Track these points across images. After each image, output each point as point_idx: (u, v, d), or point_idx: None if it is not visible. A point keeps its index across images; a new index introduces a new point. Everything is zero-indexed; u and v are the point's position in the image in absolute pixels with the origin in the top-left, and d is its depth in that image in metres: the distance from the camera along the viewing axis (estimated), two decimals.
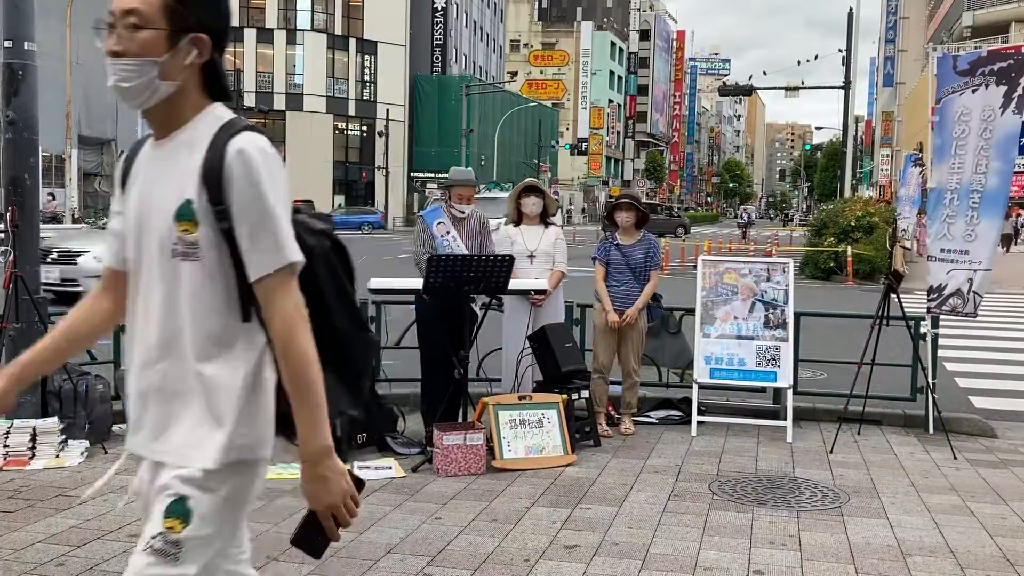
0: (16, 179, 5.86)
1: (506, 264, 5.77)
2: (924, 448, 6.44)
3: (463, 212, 6.27)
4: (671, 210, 59.47)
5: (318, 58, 55.79)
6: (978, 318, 7.14)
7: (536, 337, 6.33)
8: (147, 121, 2.07)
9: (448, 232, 6.20)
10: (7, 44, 5.82)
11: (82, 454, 5.70)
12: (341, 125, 57.17)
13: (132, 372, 2.10)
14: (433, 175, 53.71)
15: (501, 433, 5.72)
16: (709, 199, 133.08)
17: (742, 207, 60.81)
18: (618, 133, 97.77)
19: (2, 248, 6.04)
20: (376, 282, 6.12)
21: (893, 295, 6.74)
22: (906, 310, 6.90)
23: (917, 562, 4.21)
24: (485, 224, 6.44)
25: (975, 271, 6.65)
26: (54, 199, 28.97)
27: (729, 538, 4.47)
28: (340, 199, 53.97)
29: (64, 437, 5.73)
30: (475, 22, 74.07)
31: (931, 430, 6.82)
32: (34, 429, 5.60)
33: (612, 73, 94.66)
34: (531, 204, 6.63)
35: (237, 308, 1.99)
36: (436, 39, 64.08)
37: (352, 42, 56.98)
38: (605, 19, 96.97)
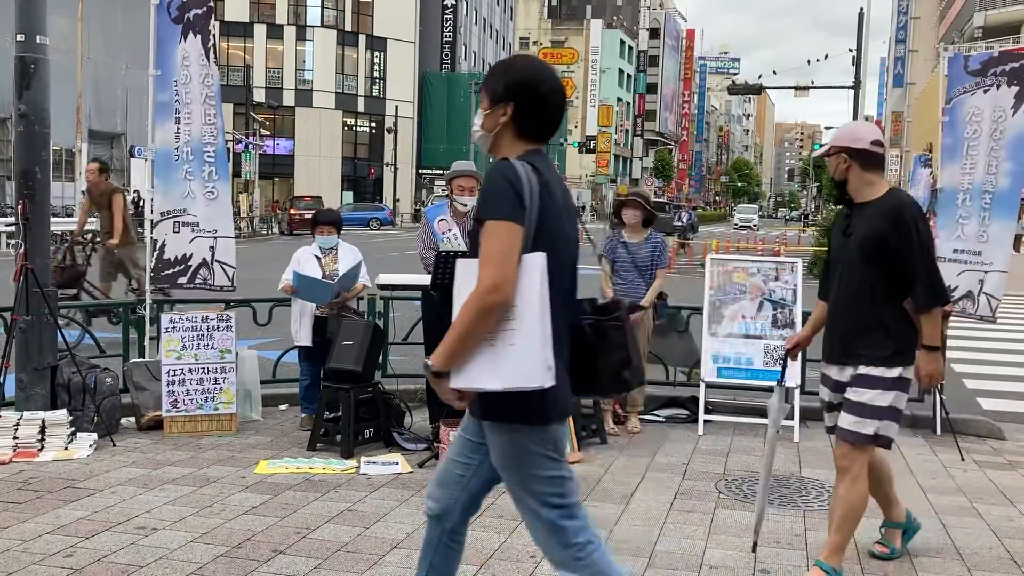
0: (27, 172, 5.89)
1: None
2: (931, 449, 6.42)
3: (465, 205, 6.26)
4: (679, 209, 59.16)
5: (328, 54, 55.84)
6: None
7: None
8: None
9: (450, 230, 6.20)
10: (19, 38, 5.84)
11: (91, 446, 5.73)
12: (350, 121, 57.23)
13: None
14: (441, 172, 53.68)
15: None
16: (718, 198, 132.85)
17: (681, 207, 44.23)
18: (627, 131, 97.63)
19: (13, 241, 6.06)
20: (385, 278, 6.13)
21: None
22: None
23: (924, 563, 4.20)
24: None
25: (986, 272, 6.62)
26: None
27: (735, 537, 4.46)
28: (349, 195, 54.03)
29: (73, 429, 5.76)
30: (485, 19, 74.04)
31: (939, 431, 6.80)
32: (43, 421, 5.63)
33: (621, 71, 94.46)
34: None
35: None
36: (446, 36, 64.08)
37: (362, 38, 57.02)
38: (615, 17, 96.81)
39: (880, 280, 3.75)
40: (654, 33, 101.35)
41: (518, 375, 2.42)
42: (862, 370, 3.79)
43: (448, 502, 2.84)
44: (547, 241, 2.52)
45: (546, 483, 2.62)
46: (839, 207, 4.14)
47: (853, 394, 3.81)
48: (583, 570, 2.64)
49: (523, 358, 2.42)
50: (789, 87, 50.21)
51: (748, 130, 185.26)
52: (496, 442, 2.63)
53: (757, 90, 42.89)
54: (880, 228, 3.71)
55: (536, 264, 2.45)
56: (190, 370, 6.33)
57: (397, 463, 5.59)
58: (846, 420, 3.81)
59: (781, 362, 4.19)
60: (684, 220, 37.01)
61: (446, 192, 6.55)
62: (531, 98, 2.63)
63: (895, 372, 3.75)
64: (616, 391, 2.82)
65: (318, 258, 6.47)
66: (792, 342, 4.19)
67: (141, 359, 6.73)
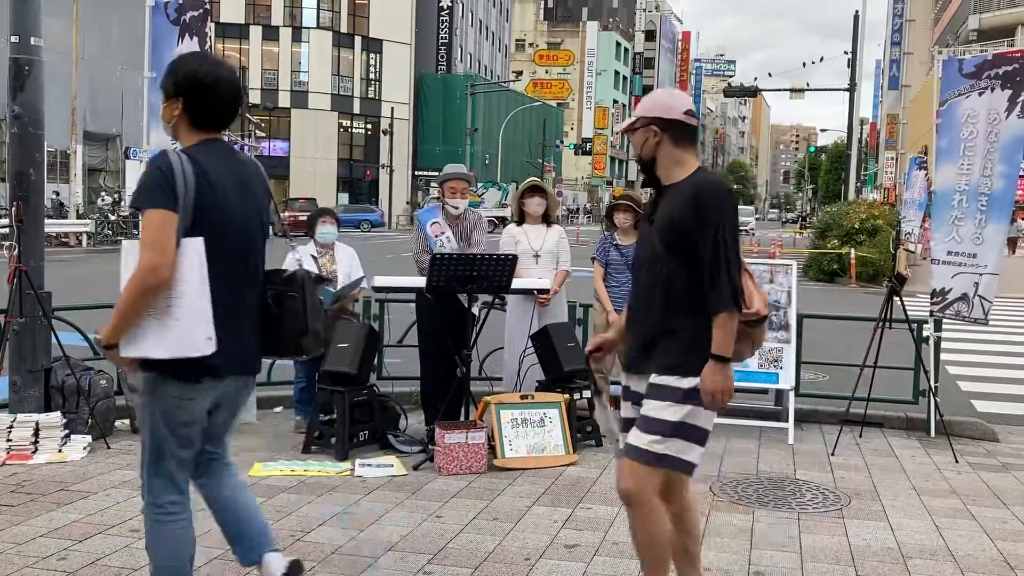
0: (21, 174, 5.88)
1: (509, 264, 5.77)
2: (926, 451, 6.44)
3: (457, 208, 6.26)
4: None
5: (324, 56, 55.83)
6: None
7: (539, 336, 6.33)
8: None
9: (443, 232, 6.21)
10: (14, 39, 5.83)
11: (84, 448, 5.72)
12: (346, 123, 57.21)
13: None
14: (437, 174, 53.73)
15: (503, 432, 5.72)
16: None
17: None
18: (622, 133, 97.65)
19: (7, 243, 6.05)
20: (380, 280, 6.13)
21: (896, 298, 6.74)
22: (909, 313, 6.89)
23: (917, 565, 4.21)
24: (480, 224, 6.44)
25: (981, 275, 6.64)
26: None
27: (730, 539, 4.47)
28: (344, 197, 54.02)
29: (67, 432, 5.75)
30: (480, 21, 74.07)
31: (933, 433, 6.81)
32: (37, 424, 5.62)
33: (617, 73, 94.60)
34: (535, 204, 6.63)
35: None
36: (441, 38, 64.10)
37: (358, 40, 57.00)
38: (611, 19, 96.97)
39: (680, 274, 3.15)
40: (650, 35, 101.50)
41: (181, 345, 2.79)
42: (654, 379, 3.19)
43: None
44: (207, 225, 2.84)
45: (171, 439, 2.97)
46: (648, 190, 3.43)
47: (644, 407, 3.22)
48: (150, 523, 3.02)
49: (185, 331, 2.78)
50: (784, 89, 50.17)
51: (744, 132, 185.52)
52: (147, 387, 2.97)
53: (752, 92, 42.86)
54: (680, 212, 3.13)
55: (194, 247, 2.79)
56: None
57: (392, 466, 5.59)
58: (632, 435, 3.21)
59: (587, 370, 3.64)
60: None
61: (438, 195, 6.55)
62: (198, 92, 2.95)
63: (689, 383, 3.13)
64: (296, 355, 3.17)
65: (315, 258, 6.44)
66: (594, 344, 3.48)
67: None
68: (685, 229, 3.11)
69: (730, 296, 3.08)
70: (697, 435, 3.18)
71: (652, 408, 3.17)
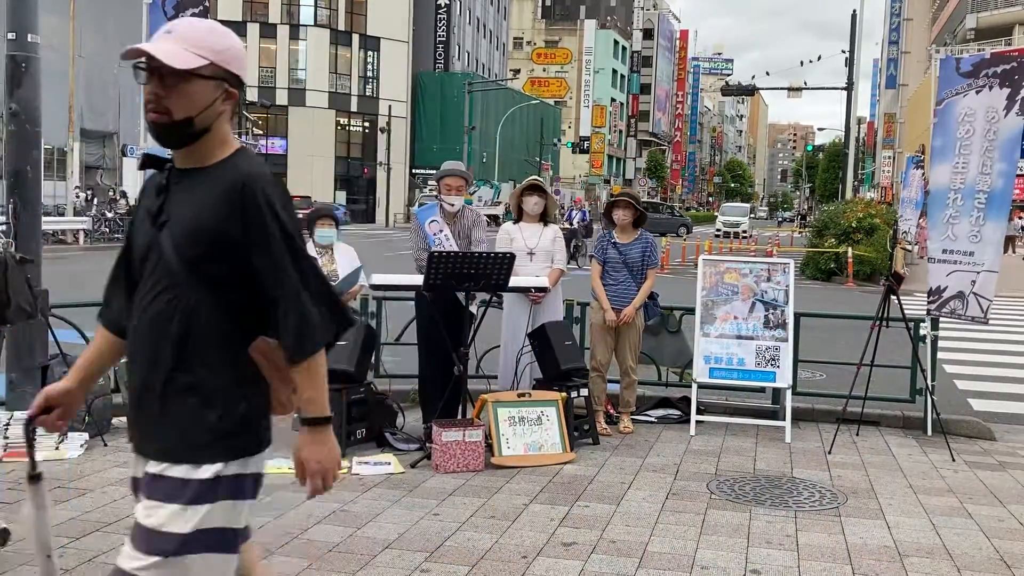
0: (18, 171, 5.87)
1: (507, 262, 5.77)
2: (922, 450, 6.44)
3: (453, 205, 6.26)
4: (673, 209, 59.07)
5: (321, 53, 55.73)
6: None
7: (536, 335, 6.33)
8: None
9: (441, 231, 6.21)
10: (10, 36, 5.83)
11: (81, 446, 5.71)
12: (343, 121, 57.13)
13: None
14: (435, 172, 53.63)
15: (500, 430, 5.72)
16: (711, 199, 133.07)
17: (571, 205, 33.58)
18: (620, 132, 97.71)
19: (4, 240, 6.03)
20: (378, 278, 6.13)
21: (893, 296, 6.75)
22: (906, 312, 6.90)
23: (914, 563, 4.22)
24: (479, 222, 6.43)
25: (978, 273, 6.65)
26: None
27: (726, 537, 4.48)
28: (341, 195, 53.95)
29: (64, 429, 5.73)
30: (478, 19, 74.01)
31: (929, 432, 6.82)
32: None
33: (615, 72, 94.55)
34: (532, 203, 6.63)
35: None
36: (439, 36, 64.03)
37: (355, 38, 56.93)
38: (608, 17, 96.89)
39: (209, 303, 2.16)
40: (648, 34, 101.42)
41: None
42: (155, 467, 2.19)
43: None
44: None
45: None
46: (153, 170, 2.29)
47: (141, 510, 2.22)
48: None
49: None
50: (782, 88, 50.21)
51: (741, 131, 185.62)
52: None
53: (750, 91, 42.86)
54: (215, 211, 2.14)
55: None
56: None
57: (389, 463, 5.59)
58: (124, 556, 2.26)
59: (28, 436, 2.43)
60: (575, 221, 26.73)
61: (434, 192, 6.56)
62: None
63: (209, 470, 2.17)
64: (1, 324, 3.86)
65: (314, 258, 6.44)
66: (38, 405, 2.43)
67: None
68: (224, 237, 2.14)
69: (329, 325, 2.29)
70: (224, 541, 2.20)
71: (156, 516, 2.17)
